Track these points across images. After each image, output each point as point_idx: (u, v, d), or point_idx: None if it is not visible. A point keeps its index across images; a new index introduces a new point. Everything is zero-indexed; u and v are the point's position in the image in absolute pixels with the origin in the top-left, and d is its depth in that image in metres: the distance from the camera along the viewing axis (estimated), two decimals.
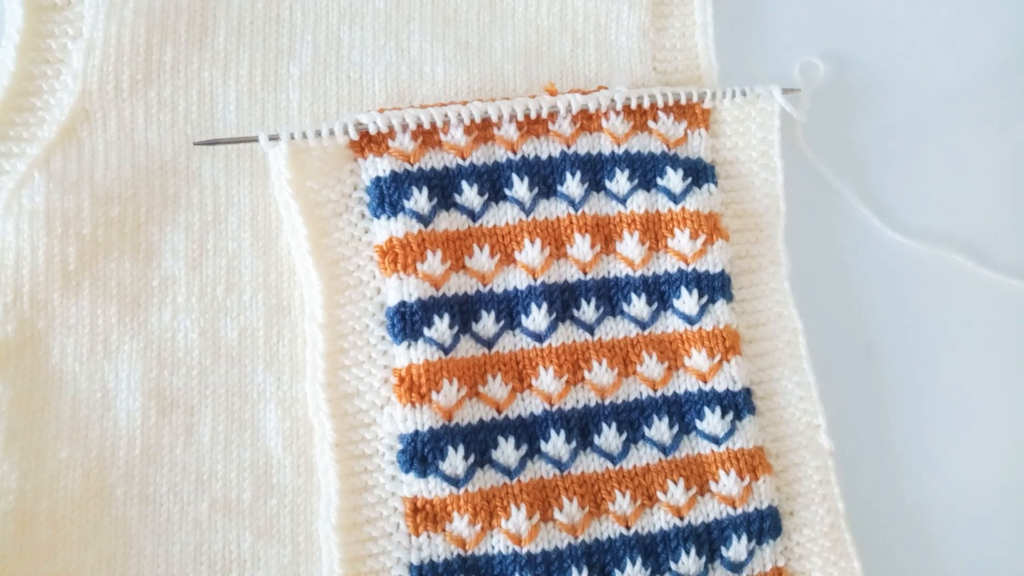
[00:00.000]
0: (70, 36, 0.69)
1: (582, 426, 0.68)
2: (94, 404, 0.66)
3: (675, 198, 0.72)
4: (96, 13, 0.69)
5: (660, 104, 0.73)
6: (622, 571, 0.66)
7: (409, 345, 0.66)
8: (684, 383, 0.70)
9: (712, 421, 0.69)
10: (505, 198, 0.70)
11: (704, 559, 0.67)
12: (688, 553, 0.67)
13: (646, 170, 0.72)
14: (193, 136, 0.70)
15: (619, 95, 0.72)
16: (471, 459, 0.66)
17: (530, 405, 0.68)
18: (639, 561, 0.66)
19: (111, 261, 0.68)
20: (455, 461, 0.65)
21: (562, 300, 0.69)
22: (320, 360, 0.66)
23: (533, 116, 0.71)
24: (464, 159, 0.70)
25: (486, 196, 0.70)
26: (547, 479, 0.67)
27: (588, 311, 0.70)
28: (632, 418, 0.69)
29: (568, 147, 0.71)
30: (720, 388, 0.70)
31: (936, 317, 0.78)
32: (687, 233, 0.71)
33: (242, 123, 0.71)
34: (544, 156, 0.71)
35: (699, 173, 0.73)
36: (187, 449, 0.67)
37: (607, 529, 0.67)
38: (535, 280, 0.69)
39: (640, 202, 0.71)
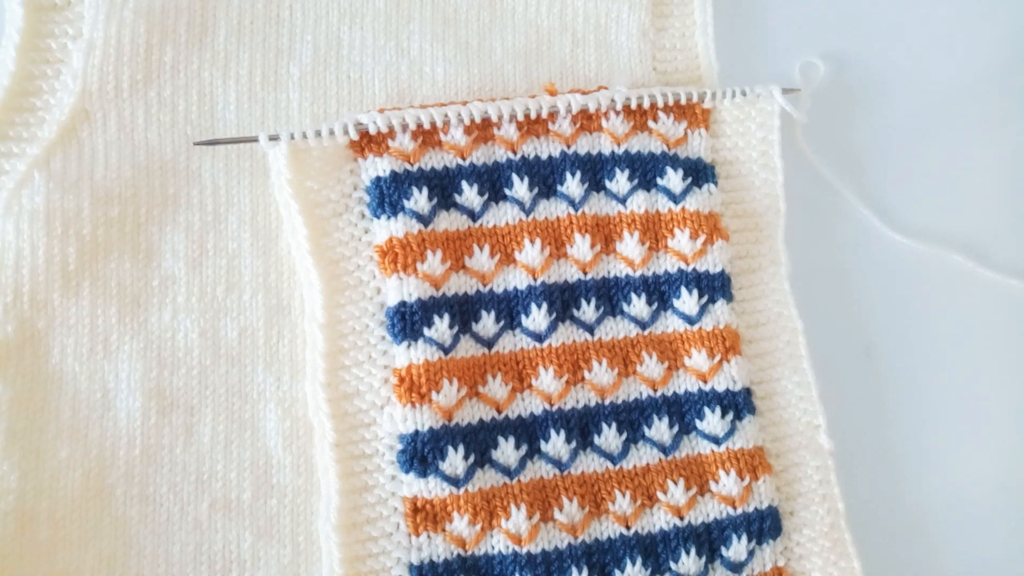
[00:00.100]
0: (70, 36, 0.69)
1: (582, 426, 0.68)
2: (94, 404, 0.66)
3: (675, 198, 0.72)
4: (96, 13, 0.69)
5: (660, 104, 0.73)
6: (622, 571, 0.66)
7: (409, 345, 0.66)
8: (684, 383, 0.70)
9: (712, 421, 0.69)
10: (505, 198, 0.70)
11: (704, 559, 0.67)
12: (688, 553, 0.67)
13: (646, 170, 0.72)
14: (193, 136, 0.70)
15: (619, 95, 0.72)
16: (471, 459, 0.66)
17: (530, 405, 0.68)
18: (639, 561, 0.66)
19: (111, 261, 0.68)
20: (455, 461, 0.65)
21: (562, 300, 0.69)
22: (320, 360, 0.66)
23: (533, 116, 0.71)
24: (464, 159, 0.70)
25: (486, 196, 0.70)
26: (547, 479, 0.67)
27: (588, 311, 0.70)
28: (632, 418, 0.69)
29: (568, 147, 0.71)
30: (720, 388, 0.70)
31: (936, 317, 0.78)
32: (687, 233, 0.71)
33: (242, 123, 0.71)
34: (544, 156, 0.71)
35: (699, 173, 0.73)
36: (187, 449, 0.67)
37: (607, 529, 0.67)
38: (535, 280, 0.69)
39: (640, 202, 0.71)
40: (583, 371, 0.69)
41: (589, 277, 0.70)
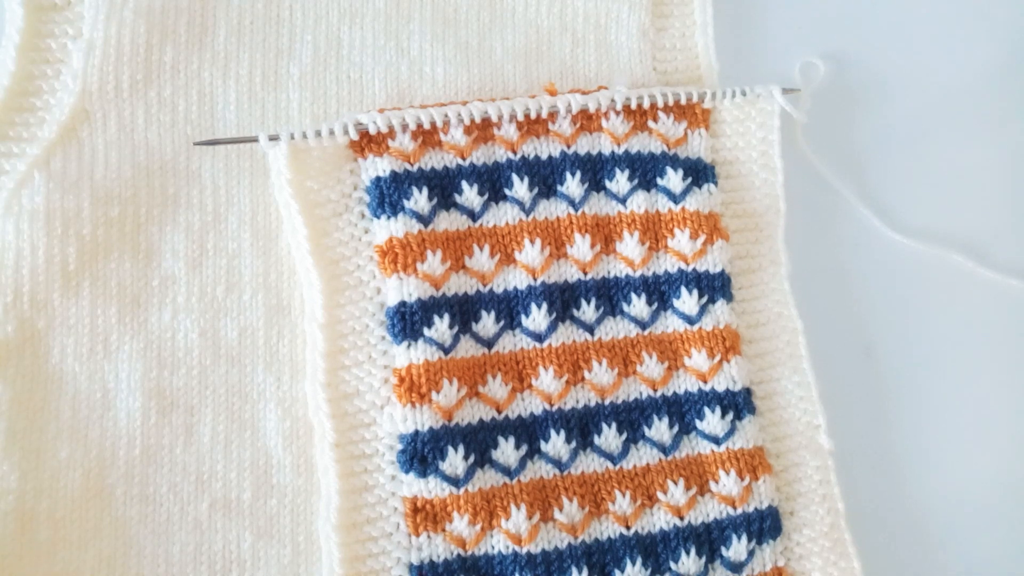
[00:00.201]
0: (70, 36, 0.69)
1: (582, 426, 0.68)
2: (94, 404, 0.66)
3: (675, 198, 0.72)
4: (96, 13, 0.69)
5: (660, 104, 0.73)
6: (622, 571, 0.66)
7: (409, 345, 0.66)
8: (684, 383, 0.70)
9: (712, 421, 0.69)
10: (505, 198, 0.70)
11: (704, 559, 0.67)
12: (688, 553, 0.67)
13: (646, 170, 0.72)
14: (193, 136, 0.70)
15: (619, 95, 0.72)
16: (471, 459, 0.66)
17: (530, 405, 0.68)
18: (639, 561, 0.66)
19: (111, 261, 0.68)
20: (455, 461, 0.65)
21: (562, 300, 0.69)
22: (320, 360, 0.66)
23: (533, 116, 0.71)
24: (464, 159, 0.70)
25: (486, 196, 0.70)
26: (547, 479, 0.67)
27: (588, 311, 0.70)
28: (632, 418, 0.69)
29: (568, 147, 0.71)
30: (720, 388, 0.70)
31: (936, 317, 0.78)
32: (687, 233, 0.71)
33: (242, 123, 0.71)
34: (544, 156, 0.71)
35: (699, 173, 0.73)
36: (187, 449, 0.67)
37: (607, 529, 0.67)
38: (535, 280, 0.69)
39: (640, 202, 0.71)
40: (583, 371, 0.69)
41: (589, 277, 0.70)
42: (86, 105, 0.69)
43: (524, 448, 0.67)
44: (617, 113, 0.72)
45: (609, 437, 0.68)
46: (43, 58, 0.69)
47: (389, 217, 0.68)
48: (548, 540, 0.66)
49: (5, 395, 0.64)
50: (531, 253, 0.69)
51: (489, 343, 0.68)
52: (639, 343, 0.70)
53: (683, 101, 0.73)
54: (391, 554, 0.65)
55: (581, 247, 0.70)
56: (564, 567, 0.65)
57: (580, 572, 0.65)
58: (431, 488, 0.65)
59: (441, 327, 0.67)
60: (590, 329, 0.70)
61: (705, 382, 0.70)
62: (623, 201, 0.71)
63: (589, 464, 0.68)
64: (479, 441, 0.66)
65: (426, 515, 0.65)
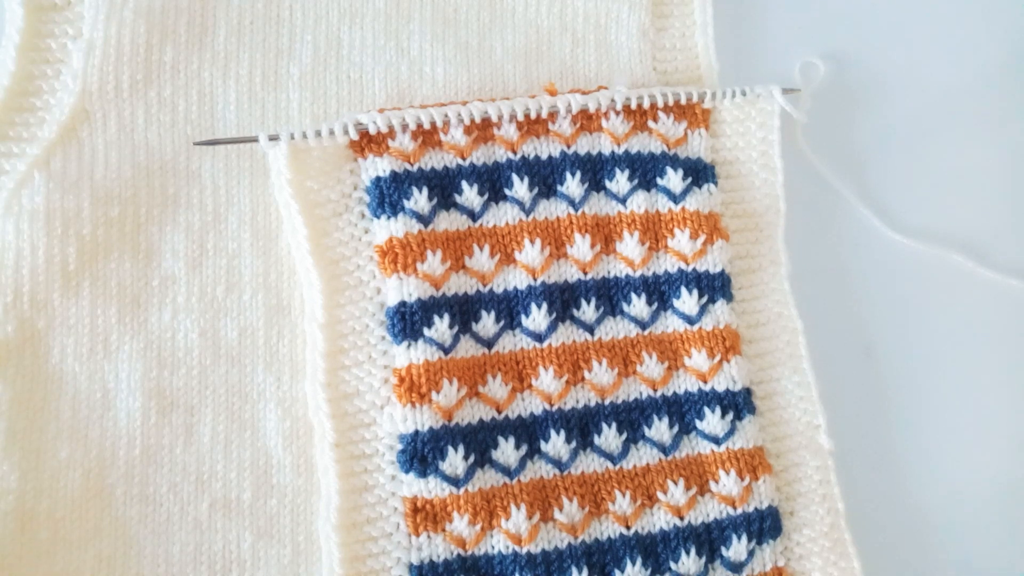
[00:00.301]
0: (70, 36, 0.69)
1: (582, 426, 0.68)
2: (94, 404, 0.66)
3: (675, 198, 0.72)
4: (96, 13, 0.69)
5: (660, 104, 0.73)
6: (622, 571, 0.66)
7: (409, 345, 0.66)
8: (684, 383, 0.70)
9: (712, 421, 0.69)
10: (505, 198, 0.70)
11: (704, 559, 0.67)
12: (688, 553, 0.67)
13: (646, 170, 0.72)
14: (193, 136, 0.70)
15: (619, 95, 0.72)
16: (471, 459, 0.66)
17: (530, 405, 0.68)
18: (639, 561, 0.66)
19: (111, 261, 0.68)
20: (455, 461, 0.65)
21: (562, 300, 0.69)
22: (320, 360, 0.66)
23: (533, 116, 0.71)
24: (464, 159, 0.70)
25: (486, 196, 0.70)
26: (547, 479, 0.67)
27: (588, 311, 0.70)
28: (632, 418, 0.69)
29: (568, 147, 0.71)
30: (720, 388, 0.70)
31: (936, 317, 0.78)
32: (687, 233, 0.71)
33: (242, 123, 0.71)
34: (544, 156, 0.71)
35: (699, 173, 0.73)
36: (187, 449, 0.67)
37: (607, 529, 0.67)
38: (535, 280, 0.69)
39: (640, 202, 0.71)
40: (583, 371, 0.69)
41: (589, 277, 0.70)
42: (86, 105, 0.69)
43: (524, 448, 0.67)
44: (617, 113, 0.72)
45: (609, 437, 0.68)
46: (43, 58, 0.69)
47: (389, 217, 0.68)
48: (548, 540, 0.66)
49: (5, 395, 0.64)
50: (531, 253, 0.69)
51: (489, 343, 0.68)
52: (639, 343, 0.70)
53: (683, 101, 0.73)
54: (391, 554, 0.65)
55: (581, 247, 0.70)
56: (564, 567, 0.65)
57: (580, 572, 0.65)
58: (431, 488, 0.65)
59: (441, 327, 0.67)
60: (590, 329, 0.70)
61: (705, 382, 0.70)
62: (623, 201, 0.71)
63: (589, 464, 0.68)
64: (479, 441, 0.66)
65: (426, 515, 0.65)
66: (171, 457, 0.67)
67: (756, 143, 0.75)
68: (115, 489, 0.66)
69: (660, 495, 0.68)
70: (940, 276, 0.78)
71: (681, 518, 0.68)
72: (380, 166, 0.68)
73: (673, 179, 0.72)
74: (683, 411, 0.70)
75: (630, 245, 0.71)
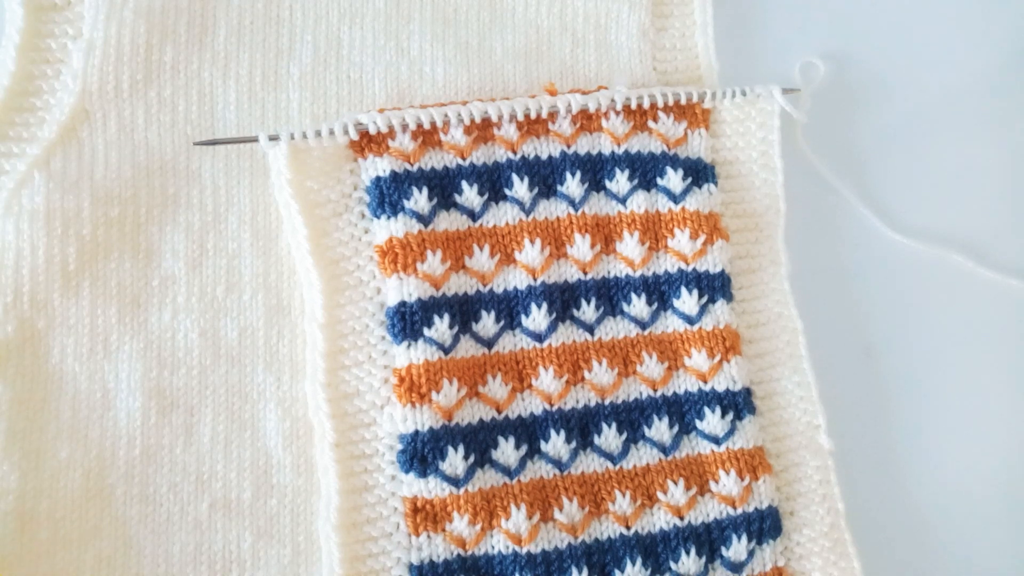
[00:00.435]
0: (70, 36, 0.69)
1: (582, 426, 0.68)
2: (94, 404, 0.66)
3: (675, 198, 0.72)
4: (96, 13, 0.69)
5: (660, 104, 0.73)
6: (622, 571, 0.66)
7: (409, 345, 0.66)
8: (684, 383, 0.70)
9: (712, 421, 0.69)
10: (505, 198, 0.70)
11: (704, 559, 0.67)
12: (688, 553, 0.67)
13: (646, 170, 0.72)
14: (193, 136, 0.70)
15: (619, 95, 0.72)
16: (471, 459, 0.66)
17: (530, 405, 0.68)
18: (639, 561, 0.66)
19: (111, 261, 0.68)
20: (455, 461, 0.65)
21: (562, 300, 0.69)
22: (320, 360, 0.66)
23: (533, 116, 0.71)
24: (464, 159, 0.70)
25: (486, 196, 0.70)
26: (547, 479, 0.67)
27: (588, 311, 0.70)
28: (632, 418, 0.69)
29: (568, 147, 0.71)
30: (720, 388, 0.70)
31: (936, 317, 0.78)
32: (687, 233, 0.71)
33: (242, 123, 0.71)
34: (544, 156, 0.71)
35: (699, 173, 0.73)
36: (187, 449, 0.67)
37: (607, 529, 0.67)
38: (535, 280, 0.69)
39: (640, 202, 0.71)
40: (583, 371, 0.69)
41: (589, 277, 0.70)
42: (86, 105, 0.69)
43: (524, 448, 0.67)
44: (617, 113, 0.72)
45: (609, 437, 0.68)
46: (43, 58, 0.69)
47: (389, 217, 0.68)
48: (548, 540, 0.66)
49: (5, 395, 0.64)
50: (531, 253, 0.69)
51: (489, 343, 0.68)
52: (639, 343, 0.70)
53: (683, 101, 0.73)
54: (391, 554, 0.65)
55: (581, 247, 0.70)
56: (564, 567, 0.65)
57: (580, 572, 0.65)
58: (431, 488, 0.65)
59: (441, 327, 0.67)
60: (590, 329, 0.70)
61: (705, 382, 0.70)
62: (623, 201, 0.71)
63: (589, 464, 0.68)
64: (479, 441, 0.66)
65: (426, 515, 0.65)
66: (171, 457, 0.67)
67: (756, 143, 0.75)
68: (115, 489, 0.66)
69: (660, 495, 0.68)
70: (940, 276, 0.78)
71: (681, 518, 0.68)
72: (380, 166, 0.68)
73: (673, 179, 0.72)
74: (683, 411, 0.70)
75: (630, 245, 0.71)
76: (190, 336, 0.68)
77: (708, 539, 0.68)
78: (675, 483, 0.68)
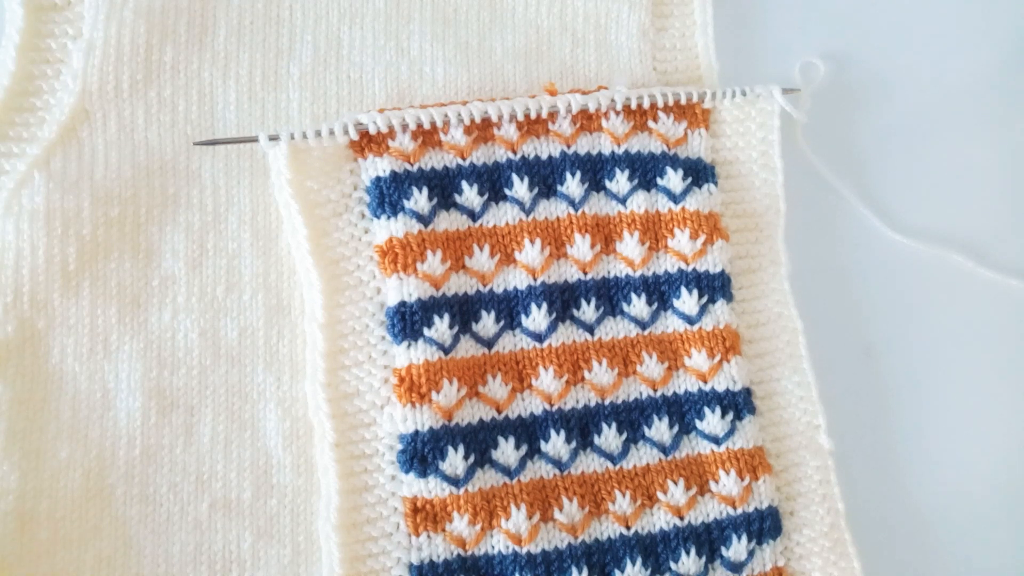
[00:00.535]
0: (70, 36, 0.69)
1: (582, 426, 0.68)
2: (94, 404, 0.66)
3: (675, 198, 0.72)
4: (96, 13, 0.69)
5: (660, 104, 0.73)
6: (622, 571, 0.66)
7: (409, 345, 0.66)
8: (684, 383, 0.70)
9: (712, 421, 0.69)
10: (505, 198, 0.70)
11: (704, 559, 0.67)
12: (688, 553, 0.67)
13: (646, 170, 0.72)
14: (193, 136, 0.70)
15: (619, 95, 0.72)
16: (471, 459, 0.66)
17: (530, 405, 0.68)
18: (639, 561, 0.66)
19: (111, 261, 0.68)
20: (455, 461, 0.65)
21: (562, 300, 0.69)
22: (320, 360, 0.66)
23: (533, 116, 0.71)
24: (464, 159, 0.70)
25: (486, 196, 0.70)
26: (547, 479, 0.67)
27: (588, 311, 0.70)
28: (632, 418, 0.69)
29: (568, 147, 0.71)
30: (720, 388, 0.70)
31: (936, 317, 0.78)
32: (687, 233, 0.71)
33: (242, 123, 0.71)
34: (544, 156, 0.71)
35: (699, 173, 0.73)
36: (187, 449, 0.67)
37: (607, 529, 0.67)
38: (535, 280, 0.69)
39: (640, 202, 0.71)
40: (583, 371, 0.69)
41: (589, 277, 0.70)
42: (86, 105, 0.69)
43: (524, 448, 0.67)
44: (617, 113, 0.72)
45: (609, 437, 0.68)
46: (43, 58, 0.69)
47: (389, 217, 0.68)
48: (548, 540, 0.66)
49: (5, 395, 0.64)
50: (531, 253, 0.69)
51: (489, 343, 0.68)
52: (639, 343, 0.70)
53: (683, 101, 0.73)
54: (391, 554, 0.65)
55: (581, 247, 0.70)
56: (564, 567, 0.65)
57: (580, 572, 0.65)
58: (431, 488, 0.65)
59: (441, 327, 0.67)
60: (590, 329, 0.70)
61: (705, 382, 0.70)
62: (623, 201, 0.71)
63: (589, 464, 0.68)
64: (479, 441, 0.66)
65: (426, 515, 0.65)
66: (171, 457, 0.67)
67: (756, 143, 0.75)
68: (115, 489, 0.66)
69: (660, 495, 0.68)
70: (940, 276, 0.78)
71: (681, 518, 0.68)
72: (380, 166, 0.68)
73: (673, 179, 0.72)
74: (683, 411, 0.70)
75: (630, 245, 0.71)
76: (190, 336, 0.68)
77: (708, 539, 0.68)
78: (675, 483, 0.68)
